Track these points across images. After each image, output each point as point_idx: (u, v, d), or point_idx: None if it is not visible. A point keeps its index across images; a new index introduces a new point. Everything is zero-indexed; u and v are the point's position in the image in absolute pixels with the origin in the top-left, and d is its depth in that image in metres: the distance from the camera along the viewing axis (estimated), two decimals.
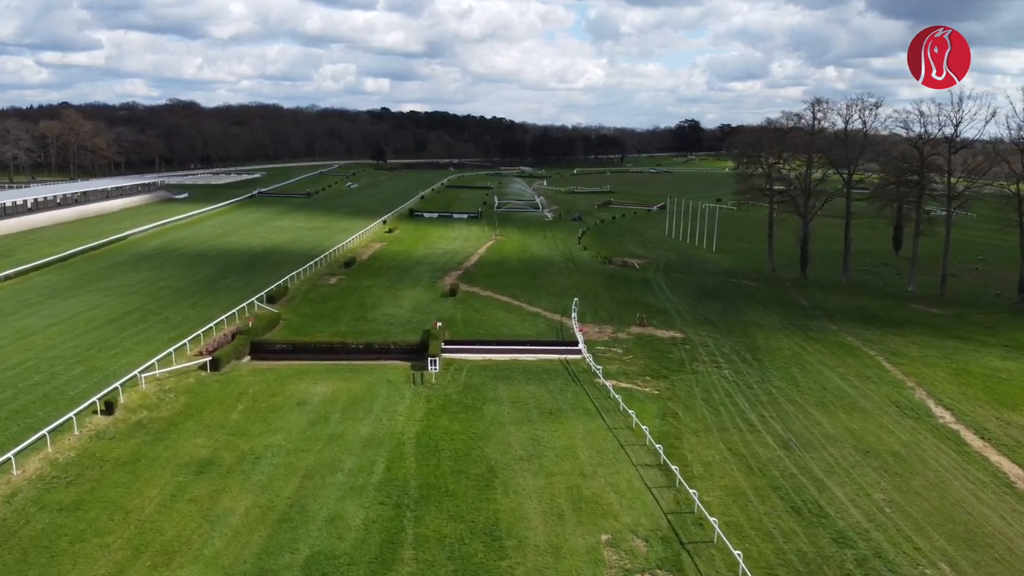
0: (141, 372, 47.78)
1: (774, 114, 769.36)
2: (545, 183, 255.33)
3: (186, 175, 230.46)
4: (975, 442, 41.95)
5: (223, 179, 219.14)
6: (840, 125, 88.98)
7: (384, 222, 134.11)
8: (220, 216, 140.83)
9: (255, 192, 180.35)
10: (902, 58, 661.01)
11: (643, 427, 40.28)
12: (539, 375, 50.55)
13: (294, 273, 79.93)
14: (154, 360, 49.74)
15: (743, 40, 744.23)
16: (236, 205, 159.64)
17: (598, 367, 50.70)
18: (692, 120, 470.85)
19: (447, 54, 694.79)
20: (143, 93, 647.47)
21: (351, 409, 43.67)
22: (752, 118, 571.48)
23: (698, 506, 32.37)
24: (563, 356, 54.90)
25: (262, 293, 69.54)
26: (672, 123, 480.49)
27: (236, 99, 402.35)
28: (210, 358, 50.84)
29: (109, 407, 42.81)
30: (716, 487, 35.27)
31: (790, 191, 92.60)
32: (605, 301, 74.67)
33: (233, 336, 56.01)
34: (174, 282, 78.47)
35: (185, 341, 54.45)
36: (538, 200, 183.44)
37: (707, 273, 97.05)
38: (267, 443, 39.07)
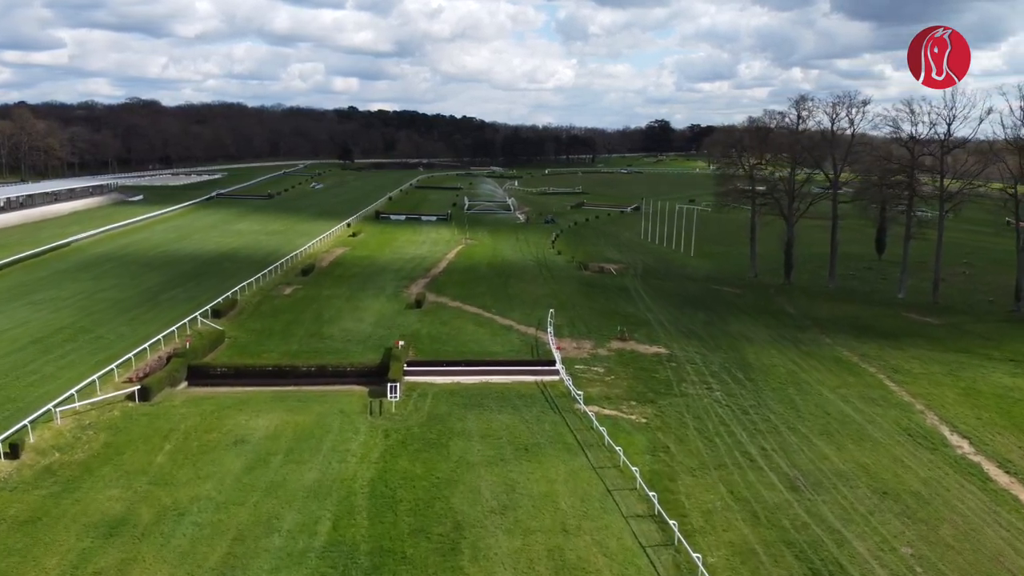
0: (56, 406, 41.66)
1: (741, 115, 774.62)
2: (516, 184, 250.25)
3: (143, 176, 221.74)
4: (1001, 478, 37.42)
5: (182, 180, 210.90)
6: (826, 124, 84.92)
7: (348, 225, 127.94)
8: (175, 219, 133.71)
9: (214, 194, 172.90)
10: (867, 59, 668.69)
11: (632, 468, 35.14)
12: (513, 401, 45.26)
13: (246, 283, 73.79)
14: (73, 391, 43.57)
15: (710, 41, 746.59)
16: (193, 207, 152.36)
17: (579, 393, 45.47)
18: (662, 120, 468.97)
19: (417, 54, 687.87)
20: (107, 92, 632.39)
21: (296, 448, 38.01)
22: (720, 119, 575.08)
23: (703, 573, 27.31)
24: (539, 377, 49.65)
25: (207, 307, 63.38)
26: (641, 124, 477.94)
27: (202, 99, 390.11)
28: (139, 387, 44.86)
29: (14, 449, 36.76)
30: (720, 543, 30.25)
31: (774, 193, 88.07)
32: (582, 312, 69.64)
33: (168, 359, 50.01)
34: (115, 294, 71.97)
35: (113, 366, 48.28)
36: (509, 202, 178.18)
37: (687, 279, 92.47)
38: (194, 494, 33.31)
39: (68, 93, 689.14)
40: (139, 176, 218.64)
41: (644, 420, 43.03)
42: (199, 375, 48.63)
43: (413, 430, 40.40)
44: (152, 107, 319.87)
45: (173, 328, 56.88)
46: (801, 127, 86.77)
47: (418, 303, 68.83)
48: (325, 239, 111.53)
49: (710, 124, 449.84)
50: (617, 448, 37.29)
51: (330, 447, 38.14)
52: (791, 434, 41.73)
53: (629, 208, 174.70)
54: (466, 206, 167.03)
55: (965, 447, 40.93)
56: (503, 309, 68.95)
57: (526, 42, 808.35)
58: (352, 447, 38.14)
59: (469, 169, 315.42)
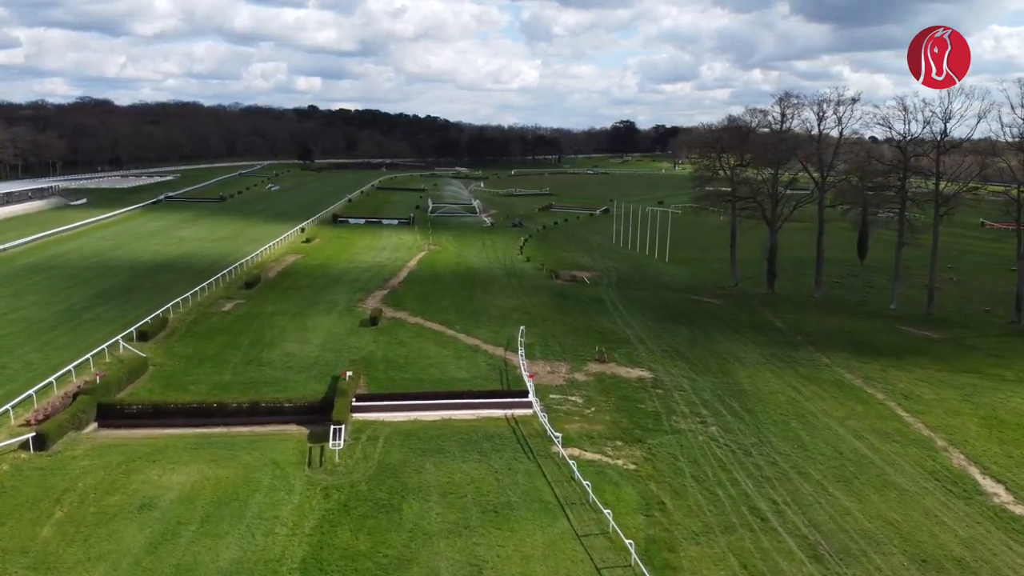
0: None
1: (703, 116, 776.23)
2: (482, 184, 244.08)
3: (91, 178, 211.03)
4: None
5: (132, 182, 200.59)
6: (812, 123, 79.45)
7: (302, 230, 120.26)
8: (116, 225, 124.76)
9: (162, 196, 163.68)
10: (825, 60, 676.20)
11: (627, 541, 28.89)
12: (479, 444, 38.84)
13: (182, 298, 66.31)
14: None
15: (673, 43, 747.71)
16: (139, 211, 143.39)
17: (557, 435, 39.02)
18: (628, 121, 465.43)
19: (380, 53, 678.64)
20: (64, 92, 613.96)
21: (215, 515, 31.16)
22: (683, 119, 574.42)
23: None
24: (510, 411, 43.28)
25: (131, 329, 55.96)
26: (606, 124, 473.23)
27: (159, 98, 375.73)
28: (34, 433, 37.61)
29: None
30: None
31: (756, 197, 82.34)
32: (555, 328, 63.44)
33: (75, 396, 42.70)
34: (32, 312, 64.04)
35: (9, 406, 40.92)
36: (475, 204, 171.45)
37: (664, 288, 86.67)
38: None
39: (25, 93, 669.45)
40: (86, 178, 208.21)
41: (633, 466, 36.87)
42: (110, 415, 41.42)
43: (359, 487, 33.73)
44: (104, 106, 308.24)
45: (89, 355, 49.51)
46: (785, 126, 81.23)
47: (373, 320, 62.05)
48: (276, 246, 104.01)
49: (675, 125, 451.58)
50: (606, 511, 30.97)
51: (256, 513, 31.34)
52: (803, 482, 35.88)
53: (599, 210, 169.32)
54: (430, 209, 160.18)
55: (1002, 495, 35.44)
56: (468, 326, 62.56)
57: (490, 42, 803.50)
58: (283, 513, 31.38)
59: (434, 169, 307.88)
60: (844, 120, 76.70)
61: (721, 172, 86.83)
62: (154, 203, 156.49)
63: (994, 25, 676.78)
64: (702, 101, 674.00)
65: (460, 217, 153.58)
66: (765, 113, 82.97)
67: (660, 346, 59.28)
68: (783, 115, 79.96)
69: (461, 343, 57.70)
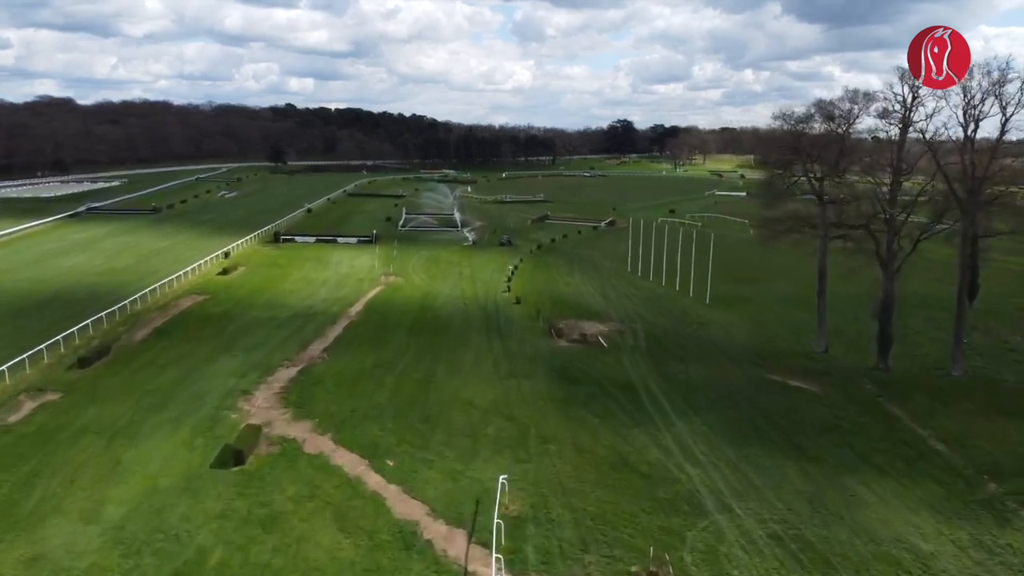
0: None
1: (695, 116, 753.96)
2: (469, 189, 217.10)
3: (23, 184, 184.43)
4: None
5: (66, 189, 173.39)
6: (951, 114, 51.22)
7: (226, 255, 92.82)
8: None
9: (83, 208, 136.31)
10: (817, 61, 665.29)
11: None
12: None
13: None
14: None
15: (664, 43, 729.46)
16: (45, 227, 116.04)
17: None
18: (625, 120, 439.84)
19: (372, 54, 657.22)
20: (54, 93, 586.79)
21: None
22: (675, 120, 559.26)
23: None
24: None
25: None
26: (600, 125, 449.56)
27: (153, 100, 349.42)
28: None
29: None
30: None
31: (870, 225, 53.30)
32: (562, 464, 36.50)
33: None
34: None
35: None
36: (457, 216, 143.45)
37: (722, 357, 58.83)
38: None
39: (15, 95, 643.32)
40: (20, 184, 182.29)
41: None
42: None
43: None
44: (66, 105, 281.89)
45: None
46: (916, 124, 52.15)
47: (237, 456, 35.04)
48: (183, 278, 76.94)
49: (674, 125, 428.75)
50: None
51: None
52: None
53: (603, 223, 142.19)
54: (401, 221, 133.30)
55: None
56: (410, 459, 35.84)
57: (483, 43, 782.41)
58: None
59: (419, 172, 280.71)
60: (1008, 111, 49.28)
61: (807, 184, 58.37)
62: (72, 216, 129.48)
63: (983, 25, 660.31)
64: (694, 102, 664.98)
65: (436, 233, 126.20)
66: (869, 96, 55.28)
67: (757, 517, 32.02)
68: (908, 106, 51.58)
69: (385, 518, 30.86)
